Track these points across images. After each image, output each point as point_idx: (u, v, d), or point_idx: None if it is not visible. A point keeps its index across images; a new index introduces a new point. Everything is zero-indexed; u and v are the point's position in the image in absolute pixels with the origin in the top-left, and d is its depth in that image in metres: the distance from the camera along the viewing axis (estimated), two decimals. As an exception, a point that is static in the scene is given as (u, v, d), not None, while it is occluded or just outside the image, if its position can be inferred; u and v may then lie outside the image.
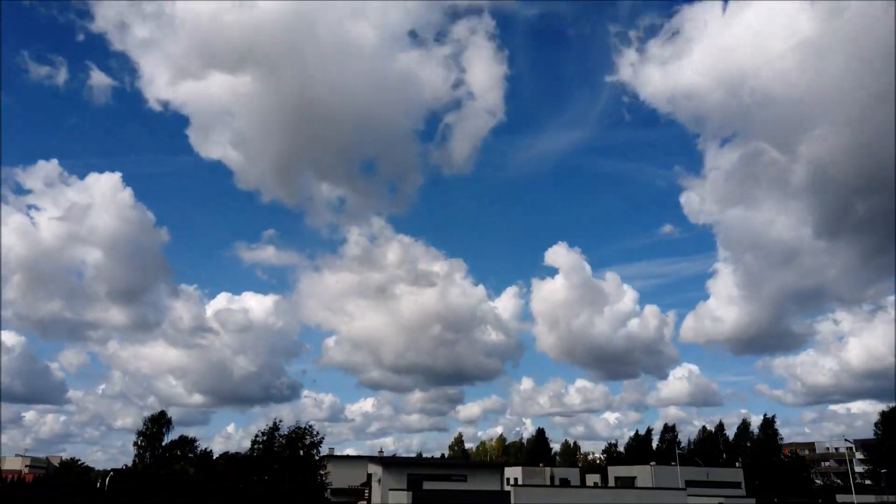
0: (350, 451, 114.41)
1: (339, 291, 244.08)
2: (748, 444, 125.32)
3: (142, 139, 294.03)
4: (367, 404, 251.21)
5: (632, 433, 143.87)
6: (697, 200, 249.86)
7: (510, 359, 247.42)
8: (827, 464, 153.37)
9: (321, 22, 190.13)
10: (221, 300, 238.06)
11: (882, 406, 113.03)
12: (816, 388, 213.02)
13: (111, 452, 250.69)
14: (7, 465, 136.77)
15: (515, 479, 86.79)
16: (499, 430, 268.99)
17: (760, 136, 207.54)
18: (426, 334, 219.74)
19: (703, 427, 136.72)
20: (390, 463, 66.17)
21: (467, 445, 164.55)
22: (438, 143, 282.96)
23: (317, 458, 48.86)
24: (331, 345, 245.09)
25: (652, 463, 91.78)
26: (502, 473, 70.32)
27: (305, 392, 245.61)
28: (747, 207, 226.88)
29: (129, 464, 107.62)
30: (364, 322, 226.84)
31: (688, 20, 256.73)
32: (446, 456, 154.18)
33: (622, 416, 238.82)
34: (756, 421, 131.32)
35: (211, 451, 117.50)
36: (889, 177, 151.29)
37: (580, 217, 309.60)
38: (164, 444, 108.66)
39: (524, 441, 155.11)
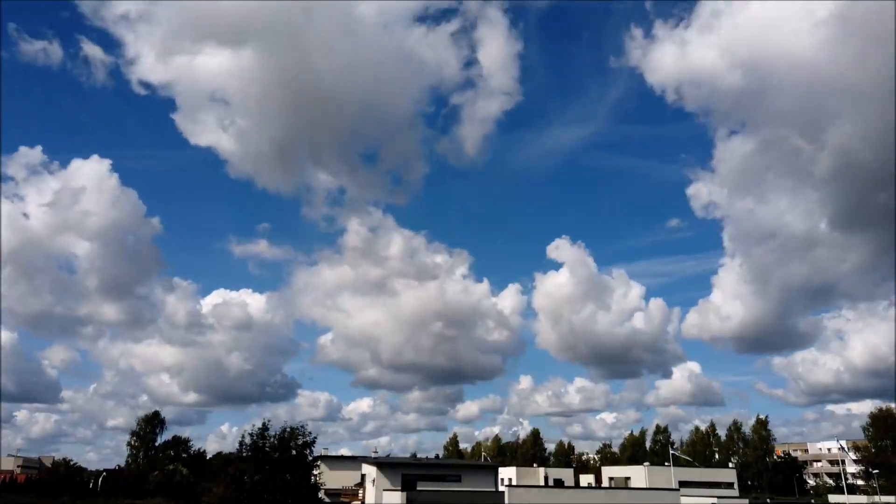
0: (344, 452, 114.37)
1: (337, 286, 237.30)
2: (741, 445, 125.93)
3: (127, 124, 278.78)
4: (363, 403, 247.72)
5: (635, 433, 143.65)
6: (706, 193, 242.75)
7: (511, 357, 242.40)
8: (819, 464, 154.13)
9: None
10: (214, 295, 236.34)
11: (884, 406, 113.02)
12: (820, 388, 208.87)
13: (104, 453, 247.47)
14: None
15: (510, 480, 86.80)
16: (496, 429, 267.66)
17: (778, 123, 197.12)
18: (426, 331, 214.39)
19: (696, 427, 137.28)
20: (384, 463, 66.09)
21: (463, 445, 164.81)
22: (445, 130, 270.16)
23: (310, 458, 48.59)
24: (327, 342, 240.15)
25: (646, 463, 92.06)
26: (496, 474, 70.33)
27: (300, 391, 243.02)
28: (759, 200, 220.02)
29: (122, 464, 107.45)
30: (362, 318, 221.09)
31: (702, 1, 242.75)
32: (441, 456, 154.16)
33: (622, 415, 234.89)
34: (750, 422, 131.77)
35: (204, 451, 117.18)
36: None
37: (586, 213, 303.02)
38: (157, 444, 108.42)
39: (520, 441, 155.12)
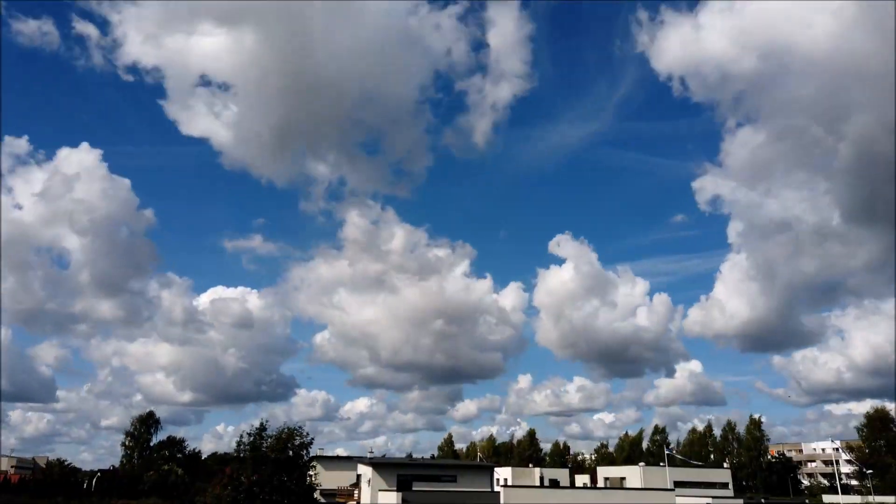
0: (340, 451, 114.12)
1: (335, 282, 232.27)
2: (735, 445, 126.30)
3: (115, 111, 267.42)
4: (361, 403, 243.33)
5: (633, 432, 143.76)
6: (713, 187, 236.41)
7: (512, 355, 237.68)
8: (814, 465, 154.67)
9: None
10: (210, 292, 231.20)
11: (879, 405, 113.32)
12: (823, 387, 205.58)
13: (98, 453, 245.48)
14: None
15: (505, 480, 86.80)
16: (493, 429, 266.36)
17: (795, 112, 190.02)
18: (426, 329, 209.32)
19: (693, 427, 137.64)
20: (380, 464, 66.08)
21: (459, 446, 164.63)
22: (449, 119, 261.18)
23: (306, 458, 48.52)
24: (324, 340, 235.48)
25: (641, 464, 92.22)
26: (492, 474, 70.34)
27: (297, 390, 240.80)
28: (769, 193, 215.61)
29: (117, 464, 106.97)
30: (361, 315, 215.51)
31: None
32: (436, 456, 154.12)
33: (622, 415, 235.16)
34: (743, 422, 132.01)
35: (199, 451, 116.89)
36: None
37: (591, 210, 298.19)
38: (152, 444, 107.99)
39: (515, 442, 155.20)
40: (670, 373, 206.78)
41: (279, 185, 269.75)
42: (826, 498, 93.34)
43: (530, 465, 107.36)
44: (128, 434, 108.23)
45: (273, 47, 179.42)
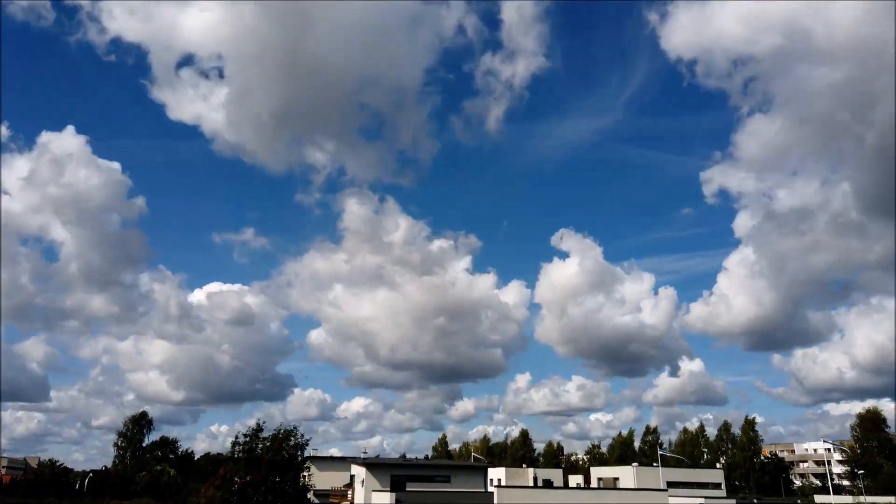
0: (334, 452, 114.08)
1: (332, 277, 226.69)
2: (729, 445, 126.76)
3: (97, 91, 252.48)
4: (357, 402, 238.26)
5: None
6: (723, 179, 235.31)
7: (514, 354, 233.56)
8: (806, 465, 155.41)
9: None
10: (203, 287, 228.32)
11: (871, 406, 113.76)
12: (827, 386, 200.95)
13: (91, 453, 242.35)
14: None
15: (499, 480, 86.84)
16: (490, 429, 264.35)
17: (821, 98, 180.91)
18: (426, 325, 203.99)
19: (685, 428, 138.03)
20: (373, 464, 66.00)
21: (454, 446, 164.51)
22: (456, 105, 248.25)
23: (300, 458, 48.42)
24: (321, 337, 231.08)
25: (634, 464, 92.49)
26: (486, 474, 70.42)
27: (293, 389, 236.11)
28: (781, 185, 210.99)
29: (109, 465, 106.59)
30: (358, 311, 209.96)
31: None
32: (430, 456, 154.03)
33: (621, 414, 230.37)
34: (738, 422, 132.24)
35: (192, 451, 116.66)
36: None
37: (598, 206, 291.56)
38: (144, 444, 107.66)
39: (509, 442, 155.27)
40: (674, 371, 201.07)
41: (275, 174, 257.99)
42: (818, 498, 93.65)
43: (524, 466, 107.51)
44: (120, 434, 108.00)
45: (270, 24, 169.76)
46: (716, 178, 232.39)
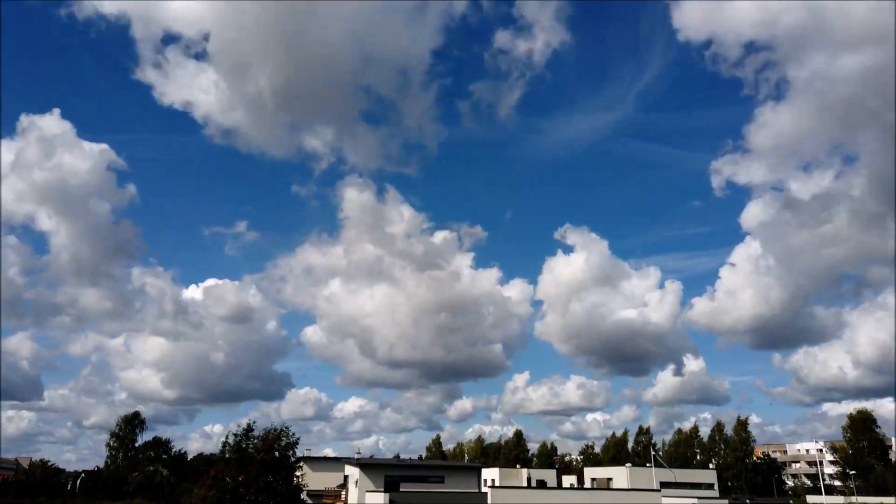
0: (328, 452, 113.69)
1: (329, 272, 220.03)
2: (722, 446, 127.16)
3: (81, 72, 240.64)
4: (353, 402, 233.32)
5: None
6: (733, 172, 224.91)
7: (516, 351, 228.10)
8: (798, 465, 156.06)
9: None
10: (197, 283, 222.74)
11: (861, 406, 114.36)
12: (829, 385, 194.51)
13: (83, 453, 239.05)
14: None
15: (493, 481, 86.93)
16: (487, 429, 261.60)
17: (848, 82, 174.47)
18: (426, 322, 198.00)
19: (679, 428, 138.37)
20: (367, 464, 65.98)
21: (448, 446, 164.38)
22: (463, 89, 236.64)
23: (292, 459, 48.33)
24: (317, 334, 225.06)
25: (628, 464, 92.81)
26: (479, 475, 70.52)
27: (289, 387, 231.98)
28: (794, 178, 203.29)
29: (101, 465, 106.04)
30: (358, 308, 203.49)
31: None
32: (424, 457, 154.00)
33: (621, 413, 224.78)
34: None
35: (185, 452, 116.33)
36: None
37: (606, 201, 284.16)
38: (137, 445, 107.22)
39: (503, 442, 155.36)
40: (678, 369, 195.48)
41: (272, 161, 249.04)
42: (810, 498, 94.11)
43: (517, 466, 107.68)
44: (113, 434, 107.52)
45: (261, 8, 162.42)
46: (725, 168, 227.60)
